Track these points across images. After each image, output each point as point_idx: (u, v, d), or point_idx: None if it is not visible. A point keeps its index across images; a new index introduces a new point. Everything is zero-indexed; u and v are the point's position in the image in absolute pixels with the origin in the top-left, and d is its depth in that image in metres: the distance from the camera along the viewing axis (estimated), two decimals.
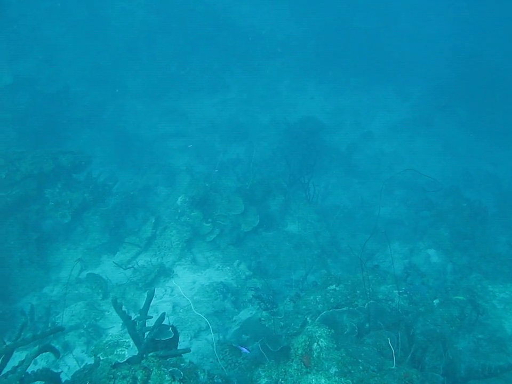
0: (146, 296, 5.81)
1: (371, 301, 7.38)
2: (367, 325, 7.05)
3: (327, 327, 6.32)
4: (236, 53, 20.74)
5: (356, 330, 6.86)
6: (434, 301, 8.30)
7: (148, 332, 5.39)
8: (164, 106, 19.17)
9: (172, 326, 5.67)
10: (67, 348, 7.88)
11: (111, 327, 8.40)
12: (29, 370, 4.42)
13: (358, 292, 7.87)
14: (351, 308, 7.37)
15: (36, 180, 10.66)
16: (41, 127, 14.88)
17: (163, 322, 5.58)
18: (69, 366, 7.57)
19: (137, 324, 5.43)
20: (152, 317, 5.63)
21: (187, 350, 5.47)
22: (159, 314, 5.48)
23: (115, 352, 4.90)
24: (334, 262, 11.46)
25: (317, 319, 7.19)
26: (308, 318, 7.56)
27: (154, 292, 5.81)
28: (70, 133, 15.92)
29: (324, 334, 6.18)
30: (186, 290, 9.56)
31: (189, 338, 8.23)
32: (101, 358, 4.83)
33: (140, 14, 19.96)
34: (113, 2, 19.78)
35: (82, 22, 19.07)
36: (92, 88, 18.45)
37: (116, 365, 4.82)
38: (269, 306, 8.64)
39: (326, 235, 12.22)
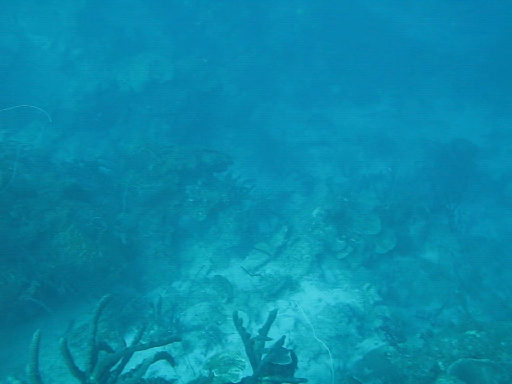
0: (268, 315, 5.60)
1: None
2: None
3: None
4: (391, 64, 20.01)
5: None
6: None
7: (265, 354, 5.18)
8: (311, 113, 19.02)
9: (291, 351, 5.41)
10: (187, 347, 7.96)
11: (231, 334, 8.35)
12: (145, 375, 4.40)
13: (503, 343, 7.01)
14: (493, 361, 6.56)
15: (178, 175, 10.98)
16: (192, 123, 15.41)
17: (282, 345, 5.34)
18: (187, 365, 7.64)
19: (256, 343, 5.24)
20: (271, 339, 5.41)
21: (304, 380, 5.16)
22: (280, 329, 5.24)
23: (229, 371, 4.74)
24: (473, 300, 10.50)
25: (450, 366, 6.51)
26: (439, 363, 6.89)
27: (276, 313, 5.58)
28: (216, 131, 16.33)
29: None
30: (311, 307, 9.26)
31: (308, 359, 7.93)
32: (215, 375, 4.70)
33: (301, 20, 19.96)
34: (278, 7, 19.98)
35: (244, 23, 19.49)
36: (244, 88, 18.80)
37: None
38: (396, 339, 8.07)
39: (467, 268, 11.26)
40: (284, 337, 5.34)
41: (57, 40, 15.80)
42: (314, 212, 11.14)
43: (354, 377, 6.54)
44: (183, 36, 18.29)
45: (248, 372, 5.17)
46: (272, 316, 5.57)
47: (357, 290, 9.94)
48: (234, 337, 8.24)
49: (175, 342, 7.20)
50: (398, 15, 21.86)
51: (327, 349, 7.79)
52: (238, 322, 5.24)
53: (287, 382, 5.06)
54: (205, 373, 4.92)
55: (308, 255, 10.53)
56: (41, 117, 12.87)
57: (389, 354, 7.28)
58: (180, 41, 17.97)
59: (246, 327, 8.29)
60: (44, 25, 15.71)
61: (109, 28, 16.99)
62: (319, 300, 9.59)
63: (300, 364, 7.29)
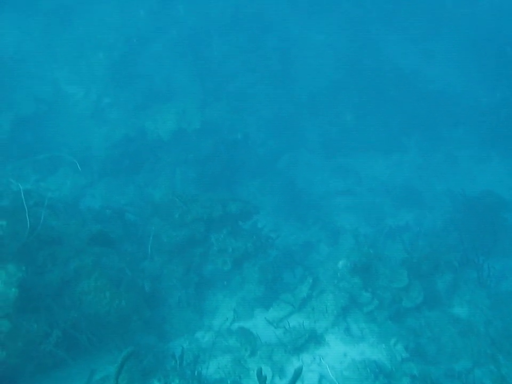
0: (293, 372, 5.44)
1: None
2: None
3: None
4: (417, 115, 20.04)
5: None
6: None
7: None
8: (337, 162, 19.02)
9: None
10: None
11: None
12: None
13: None
14: None
15: (204, 224, 10.99)
16: (218, 171, 15.53)
17: None
18: None
19: None
20: None
21: None
22: None
23: None
24: (506, 360, 10.07)
25: None
26: None
27: (302, 370, 5.42)
28: (242, 179, 16.41)
29: None
30: (336, 362, 9.01)
31: None
32: None
33: (328, 71, 20.27)
34: (305, 59, 20.36)
35: (272, 73, 19.84)
36: (270, 137, 18.94)
37: None
38: None
39: (498, 325, 10.85)
40: None
41: (90, 90, 16.25)
42: (340, 264, 10.97)
43: None
44: (211, 85, 18.65)
45: None
46: (298, 373, 5.42)
47: (383, 345, 9.66)
48: None
49: None
50: (424, 67, 22.02)
51: None
52: (262, 380, 5.09)
53: None
54: None
55: (333, 308, 10.31)
56: (70, 163, 13.11)
57: None
58: (208, 90, 18.31)
59: (269, 382, 8.06)
60: (78, 76, 16.22)
61: (139, 78, 17.44)
62: (345, 355, 9.33)
63: None
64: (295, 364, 8.69)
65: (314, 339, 9.56)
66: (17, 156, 13.32)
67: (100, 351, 8.00)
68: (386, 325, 10.25)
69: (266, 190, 16.64)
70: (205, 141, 15.77)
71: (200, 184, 15.08)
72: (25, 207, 7.58)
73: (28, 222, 7.60)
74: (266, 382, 5.17)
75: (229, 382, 8.15)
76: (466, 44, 23.07)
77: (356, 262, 10.75)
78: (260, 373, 5.19)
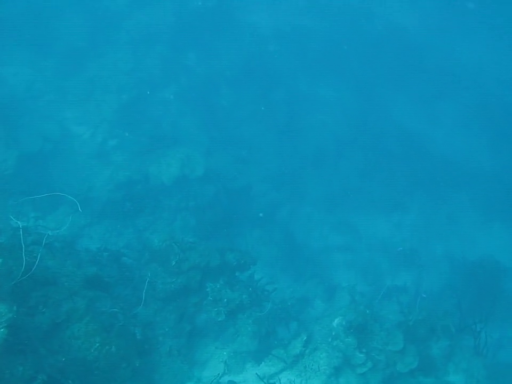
0: None
1: None
2: None
3: None
4: (420, 176, 20.15)
5: None
6: None
7: None
8: (337, 218, 19.00)
9: None
10: None
11: None
12: None
13: None
14: None
15: (200, 272, 10.91)
16: (218, 219, 15.52)
17: None
18: None
19: None
20: None
21: None
22: None
23: None
24: None
25: None
26: None
27: None
28: (242, 229, 16.37)
29: None
30: None
31: None
32: None
33: (334, 126, 20.51)
34: (312, 112, 20.62)
35: (278, 126, 20.07)
36: (272, 189, 18.98)
37: None
38: None
39: None
40: None
41: (96, 131, 16.40)
42: (335, 322, 10.81)
43: None
44: (217, 133, 18.84)
45: None
46: None
47: None
48: None
49: None
50: (429, 129, 22.29)
51: None
52: None
53: None
54: None
55: (326, 367, 10.13)
56: (71, 203, 13.09)
57: None
58: (213, 138, 18.49)
59: None
60: (86, 116, 16.42)
61: (146, 122, 17.63)
62: None
63: None
64: None
65: None
66: (20, 192, 13.32)
67: None
68: None
69: (266, 241, 16.59)
70: (207, 188, 15.81)
71: (200, 231, 15.03)
72: (23, 246, 7.50)
73: (24, 261, 7.51)
74: None
75: None
76: (472, 108, 23.46)
77: (351, 321, 10.60)
78: None
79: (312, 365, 10.20)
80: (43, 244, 8.97)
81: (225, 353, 10.43)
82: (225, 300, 10.77)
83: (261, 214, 16.54)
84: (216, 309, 10.68)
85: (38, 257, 8.01)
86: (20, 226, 8.17)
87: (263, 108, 19.78)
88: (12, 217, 9.88)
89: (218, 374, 9.86)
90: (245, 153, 18.55)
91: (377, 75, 22.89)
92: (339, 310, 11.38)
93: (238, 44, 20.64)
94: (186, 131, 18.26)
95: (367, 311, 10.89)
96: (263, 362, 10.34)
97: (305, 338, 10.71)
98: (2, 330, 6.41)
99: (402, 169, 20.51)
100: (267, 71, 20.77)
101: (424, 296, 14.27)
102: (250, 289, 11.34)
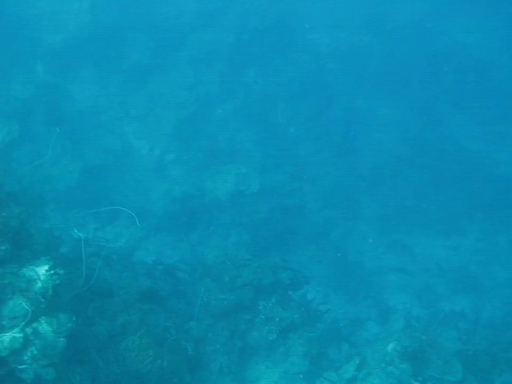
0: None
1: None
2: None
3: None
4: (480, 198, 19.52)
5: None
6: None
7: None
8: (392, 238, 18.66)
9: None
10: None
11: None
12: None
13: None
14: None
15: (253, 290, 10.89)
16: (272, 236, 15.57)
17: None
18: None
19: None
20: None
21: None
22: None
23: None
24: None
25: None
26: None
27: None
28: (296, 246, 16.33)
29: None
30: None
31: None
32: None
33: (390, 146, 20.22)
34: (369, 131, 20.43)
35: (334, 143, 19.97)
36: (326, 206, 18.85)
37: None
38: None
39: None
40: None
41: (155, 145, 16.79)
42: (390, 347, 10.54)
43: None
44: (273, 150, 18.91)
45: None
46: None
47: None
48: None
49: None
50: (491, 150, 21.61)
51: None
52: None
53: None
54: None
55: None
56: (129, 215, 13.40)
57: None
58: (269, 154, 18.57)
59: None
60: (146, 131, 16.86)
61: (204, 137, 17.92)
62: None
63: None
64: None
65: None
66: (82, 204, 13.81)
67: None
68: None
69: (319, 259, 16.46)
70: (261, 204, 15.87)
71: (253, 247, 15.10)
72: (83, 258, 7.74)
73: (84, 273, 7.74)
74: None
75: None
76: None
77: (406, 346, 10.32)
78: None
79: None
80: (102, 256, 9.21)
81: (275, 373, 10.36)
82: (277, 318, 10.73)
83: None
84: (267, 327, 10.66)
85: (97, 269, 8.21)
86: (82, 238, 8.41)
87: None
88: (75, 229, 10.18)
89: None
90: (300, 170, 18.53)
91: (437, 93, 22.44)
92: (393, 334, 11.11)
93: (296, 62, 20.70)
94: (242, 147, 18.43)
95: (423, 337, 10.57)
96: None
97: (358, 362, 10.50)
98: (62, 339, 6.60)
99: (462, 190, 19.95)
100: (324, 89, 20.72)
101: None
102: (302, 308, 11.23)
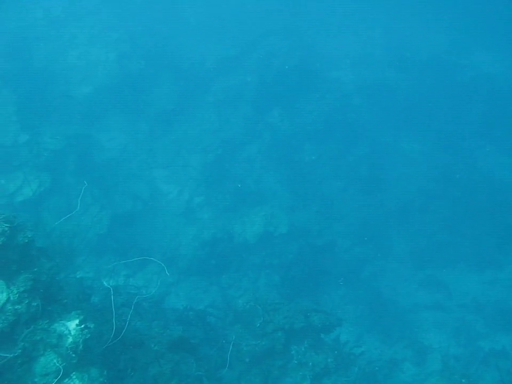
0: None
1: None
2: None
3: None
4: None
5: None
6: None
7: None
8: (425, 274, 18.30)
9: None
10: None
11: None
12: None
13: None
14: None
15: (284, 335, 10.77)
16: (302, 277, 15.43)
17: None
18: None
19: None
20: None
21: None
22: None
23: None
24: None
25: None
26: None
27: None
28: (326, 287, 16.14)
29: None
30: None
31: None
32: None
33: (418, 180, 20.05)
34: (396, 166, 20.32)
35: (361, 180, 19.88)
36: (356, 244, 18.66)
37: None
38: None
39: None
40: None
41: (183, 189, 16.98)
42: None
43: None
44: (300, 190, 18.92)
45: None
46: None
47: None
48: None
49: None
50: None
51: None
52: None
53: None
54: None
55: None
56: (161, 260, 13.51)
57: None
58: (296, 194, 18.57)
59: None
60: (174, 175, 17.08)
61: (231, 179, 18.05)
62: None
63: None
64: None
65: None
66: (113, 250, 13.99)
67: None
68: None
69: (351, 299, 16.27)
70: (290, 245, 15.83)
71: (284, 288, 15.00)
72: (113, 311, 7.77)
73: (114, 324, 7.75)
74: None
75: None
76: None
77: None
78: None
79: None
80: (133, 305, 9.23)
81: None
82: (310, 363, 10.56)
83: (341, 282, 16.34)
84: (301, 373, 10.49)
85: (128, 320, 8.22)
86: (111, 290, 8.47)
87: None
88: (104, 281, 10.29)
89: None
90: (328, 209, 18.46)
91: (464, 125, 22.27)
92: (431, 377, 10.83)
93: (320, 100, 20.86)
94: (270, 188, 18.49)
95: (463, 381, 10.26)
96: None
97: None
98: None
99: (494, 222, 19.56)
100: (350, 126, 20.79)
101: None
102: (336, 352, 11.04)
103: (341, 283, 16.32)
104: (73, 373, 6.61)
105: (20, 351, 6.42)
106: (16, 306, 6.65)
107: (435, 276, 18.26)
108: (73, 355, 6.60)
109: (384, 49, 23.77)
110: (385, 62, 23.34)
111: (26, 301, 6.71)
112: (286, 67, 20.28)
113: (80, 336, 6.74)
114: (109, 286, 9.00)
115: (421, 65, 23.16)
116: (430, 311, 16.59)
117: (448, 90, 22.19)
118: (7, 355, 6.36)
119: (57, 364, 6.43)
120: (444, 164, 20.64)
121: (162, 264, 11.47)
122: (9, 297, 6.66)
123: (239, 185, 17.69)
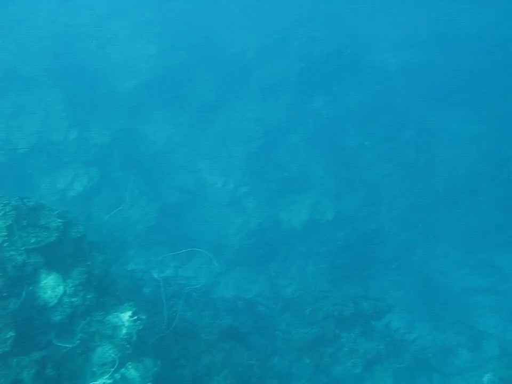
0: None
1: None
2: None
3: None
4: None
5: None
6: None
7: None
8: (478, 258, 17.87)
9: None
10: None
11: None
12: None
13: None
14: None
15: (335, 322, 10.74)
16: (349, 263, 15.35)
17: None
18: None
19: None
20: None
21: None
22: None
23: None
24: None
25: None
26: None
27: None
28: (375, 272, 16.00)
29: None
30: None
31: None
32: None
33: (467, 162, 19.52)
34: (443, 148, 19.84)
35: (408, 164, 19.51)
36: (404, 229, 18.39)
37: None
38: None
39: None
40: None
41: (228, 179, 17.04)
42: (485, 378, 10.03)
43: None
44: (346, 176, 18.72)
45: None
46: None
47: None
48: None
49: None
50: None
51: None
52: None
53: None
54: None
55: None
56: (208, 250, 13.64)
57: None
58: (342, 181, 18.39)
59: None
60: (219, 166, 17.16)
61: (276, 168, 18.01)
62: None
63: None
64: None
65: None
66: (162, 242, 14.24)
67: None
68: None
69: (401, 284, 16.08)
70: (337, 232, 15.74)
71: (332, 275, 14.95)
72: (164, 302, 7.91)
73: (165, 315, 7.89)
74: None
75: None
76: None
77: (504, 379, 9.76)
78: None
79: None
80: (183, 295, 9.37)
81: None
82: (362, 350, 10.49)
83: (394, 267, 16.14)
84: (352, 360, 10.44)
85: (178, 310, 8.35)
86: (161, 281, 8.62)
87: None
88: (154, 272, 10.48)
89: None
90: (374, 194, 18.21)
91: None
92: (488, 363, 10.59)
93: (364, 84, 20.52)
94: (315, 175, 18.36)
95: None
96: None
97: None
98: None
99: None
100: (394, 109, 20.37)
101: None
102: (387, 339, 10.93)
103: (395, 268, 16.14)
104: (129, 362, 6.76)
105: (78, 341, 6.61)
106: (73, 299, 6.84)
107: (488, 259, 17.82)
108: (128, 346, 6.75)
109: (426, 28, 23.09)
110: (429, 42, 22.67)
111: (82, 294, 6.89)
112: (328, 52, 19.99)
113: (133, 327, 6.89)
114: (159, 278, 9.16)
115: (467, 42, 22.41)
116: (484, 295, 16.23)
117: (496, 68, 21.41)
118: (68, 345, 6.57)
119: (113, 355, 6.59)
120: (493, 144, 20.01)
121: (211, 255, 11.57)
122: (65, 290, 6.85)
123: (285, 174, 17.65)
